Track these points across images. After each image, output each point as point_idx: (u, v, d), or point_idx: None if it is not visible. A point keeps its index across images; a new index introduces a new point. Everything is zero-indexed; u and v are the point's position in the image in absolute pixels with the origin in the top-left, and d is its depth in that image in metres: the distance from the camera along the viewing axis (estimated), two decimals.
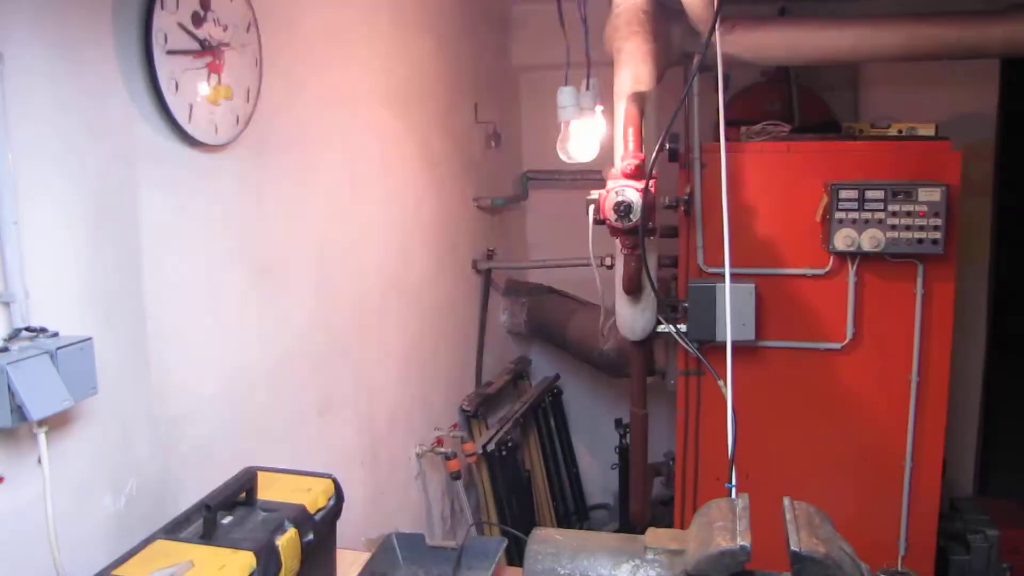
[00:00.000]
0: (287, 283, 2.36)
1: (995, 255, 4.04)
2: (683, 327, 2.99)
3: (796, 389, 3.15)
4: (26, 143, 1.49)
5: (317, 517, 1.77)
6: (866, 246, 2.90)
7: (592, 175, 3.84)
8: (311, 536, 1.73)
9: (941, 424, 3.06)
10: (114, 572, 1.48)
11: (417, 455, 3.31)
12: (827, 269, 3.04)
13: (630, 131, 2.58)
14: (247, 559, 1.53)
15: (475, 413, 3.79)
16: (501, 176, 4.25)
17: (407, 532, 2.01)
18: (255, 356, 2.22)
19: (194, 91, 1.90)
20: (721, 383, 2.11)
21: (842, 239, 2.91)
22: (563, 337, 4.10)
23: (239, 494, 1.72)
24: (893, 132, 3.18)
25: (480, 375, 4.01)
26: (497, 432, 3.73)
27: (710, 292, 2.92)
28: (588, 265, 2.98)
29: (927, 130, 3.12)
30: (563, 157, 2.71)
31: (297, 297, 2.42)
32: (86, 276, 1.64)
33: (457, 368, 3.80)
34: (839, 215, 2.90)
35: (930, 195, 2.85)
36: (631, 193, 2.50)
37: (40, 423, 1.46)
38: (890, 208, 2.88)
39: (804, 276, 3.07)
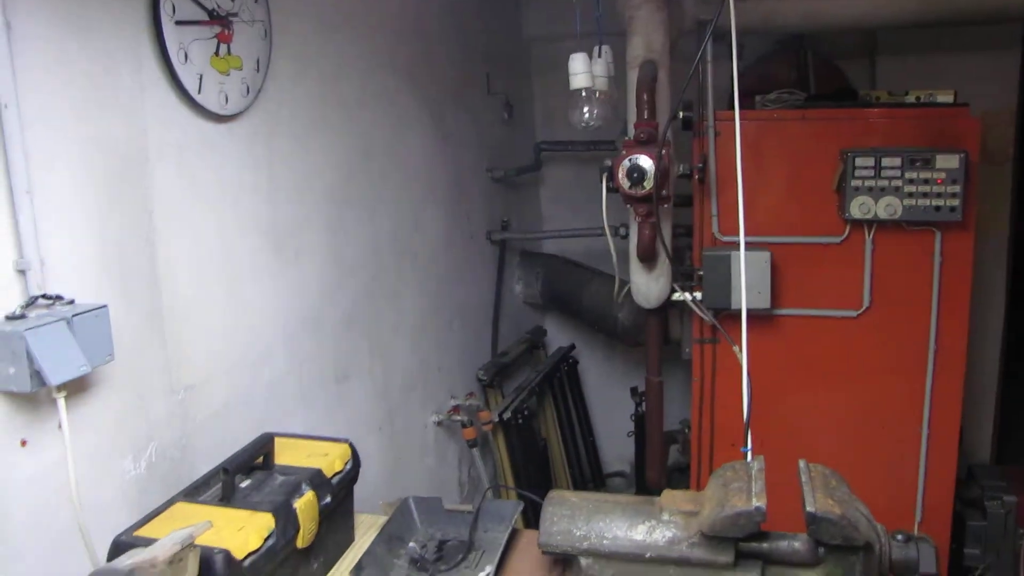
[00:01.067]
0: (301, 251, 2.37)
1: (1015, 223, 4.00)
2: (698, 295, 2.98)
3: (812, 357, 3.14)
4: (36, 113, 1.49)
5: (334, 481, 1.80)
6: (882, 214, 2.87)
7: (606, 145, 3.83)
8: (329, 499, 1.75)
9: (958, 392, 3.05)
10: (136, 533, 1.50)
11: (434, 423, 3.33)
12: (843, 237, 3.02)
13: (643, 98, 2.57)
14: (266, 520, 1.55)
15: (491, 382, 3.81)
16: (514, 147, 4.24)
17: (424, 496, 2.02)
18: (271, 324, 2.24)
19: (204, 61, 1.90)
20: (736, 349, 2.12)
21: (858, 207, 2.89)
22: (578, 307, 4.10)
23: (257, 458, 1.74)
24: (911, 99, 3.14)
25: (496, 344, 4.03)
26: (513, 401, 3.74)
27: (725, 260, 2.90)
28: (602, 235, 2.97)
29: (946, 96, 3.08)
30: (575, 124, 2.70)
31: (311, 265, 2.43)
32: (100, 245, 1.66)
33: (473, 337, 3.81)
34: (855, 183, 2.88)
35: (948, 162, 2.81)
36: (644, 160, 2.49)
37: (59, 388, 1.48)
38: (907, 175, 2.85)
39: (820, 244, 3.05)
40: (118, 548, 1.46)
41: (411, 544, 1.89)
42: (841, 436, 3.13)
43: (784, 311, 3.09)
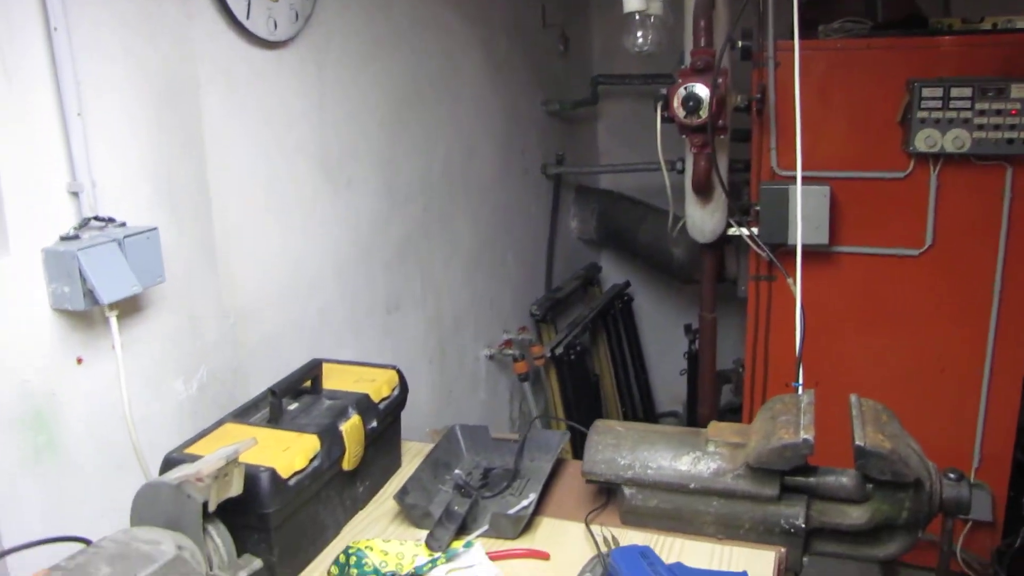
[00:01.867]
0: (353, 180, 2.37)
1: None
2: (755, 230, 2.93)
3: (871, 296, 3.06)
4: (86, 39, 1.49)
5: (381, 406, 1.82)
6: (950, 147, 2.76)
7: (664, 78, 3.74)
8: (375, 423, 1.77)
9: None
10: (186, 450, 1.54)
11: (486, 356, 3.35)
12: (907, 172, 2.91)
13: (700, 25, 2.50)
14: (312, 442, 1.58)
15: (544, 317, 3.80)
16: (570, 80, 4.17)
17: (471, 424, 2.04)
18: (322, 252, 2.25)
19: None
20: (790, 280, 2.08)
21: (923, 140, 2.78)
22: (634, 243, 4.06)
23: (304, 382, 1.77)
24: (986, 26, 2.99)
25: (550, 280, 4.02)
26: (566, 336, 3.74)
27: (783, 194, 2.83)
28: (659, 170, 2.92)
29: None
30: (629, 48, 2.63)
31: (363, 194, 2.43)
32: (151, 169, 1.67)
33: (527, 272, 3.80)
34: (921, 115, 2.76)
35: None
36: (700, 88, 2.43)
37: (111, 307, 1.51)
38: (978, 107, 2.72)
39: (882, 179, 2.95)
40: (169, 464, 1.50)
41: (456, 471, 1.92)
42: (897, 378, 3.06)
43: (843, 248, 3.02)
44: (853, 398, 1.71)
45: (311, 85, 2.15)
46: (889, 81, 2.86)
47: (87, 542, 1.31)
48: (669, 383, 4.66)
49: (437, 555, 1.57)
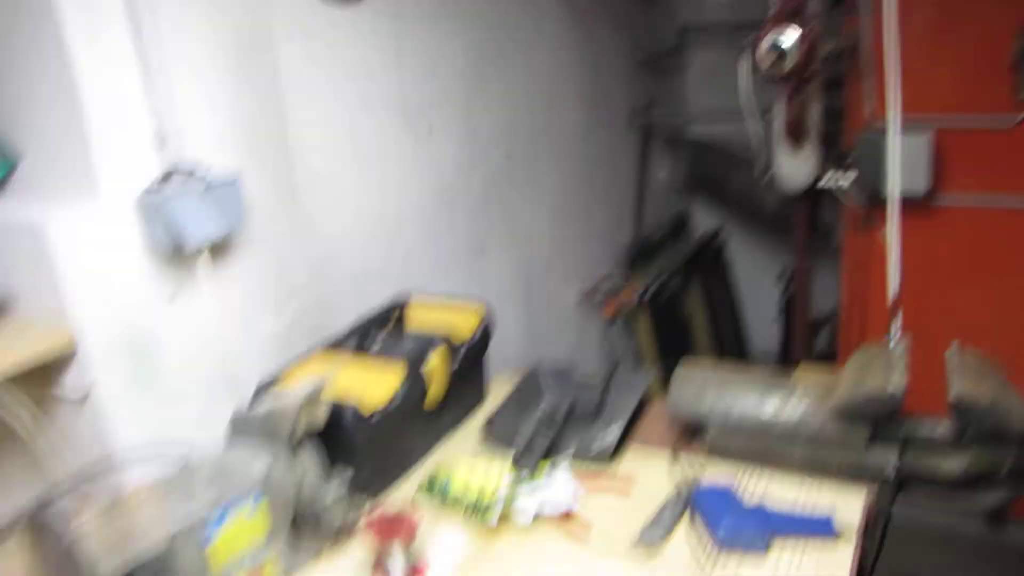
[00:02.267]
0: (434, 128, 2.36)
1: None
2: (850, 180, 2.82)
3: (979, 251, 2.89)
4: None
5: (466, 341, 1.82)
6: None
7: (752, 26, 3.62)
8: (460, 359, 1.78)
9: None
10: (276, 380, 1.59)
11: (574, 300, 3.34)
12: (1019, 120, 2.76)
13: None
14: (396, 378, 1.60)
15: (633, 263, 3.76)
16: (657, 28, 4.06)
17: (555, 363, 2.03)
18: (405, 198, 2.26)
19: None
20: (882, 233, 2.00)
21: None
22: (724, 192, 3.98)
23: (392, 315, 1.78)
24: None
25: (640, 227, 3.97)
26: (656, 280, 3.68)
27: (879, 143, 2.71)
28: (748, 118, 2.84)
29: None
30: None
31: (445, 142, 2.42)
32: (232, 120, 1.69)
33: (615, 219, 3.77)
34: None
35: None
36: (788, 35, 2.34)
37: (199, 250, 1.56)
38: None
39: (989, 129, 2.80)
40: (260, 393, 1.56)
41: (541, 406, 1.91)
42: (1008, 338, 2.87)
43: (946, 200, 2.88)
44: (953, 348, 1.65)
45: (387, 36, 2.14)
46: (998, 23, 2.68)
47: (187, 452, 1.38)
48: (762, 330, 4.55)
49: (523, 474, 1.59)
